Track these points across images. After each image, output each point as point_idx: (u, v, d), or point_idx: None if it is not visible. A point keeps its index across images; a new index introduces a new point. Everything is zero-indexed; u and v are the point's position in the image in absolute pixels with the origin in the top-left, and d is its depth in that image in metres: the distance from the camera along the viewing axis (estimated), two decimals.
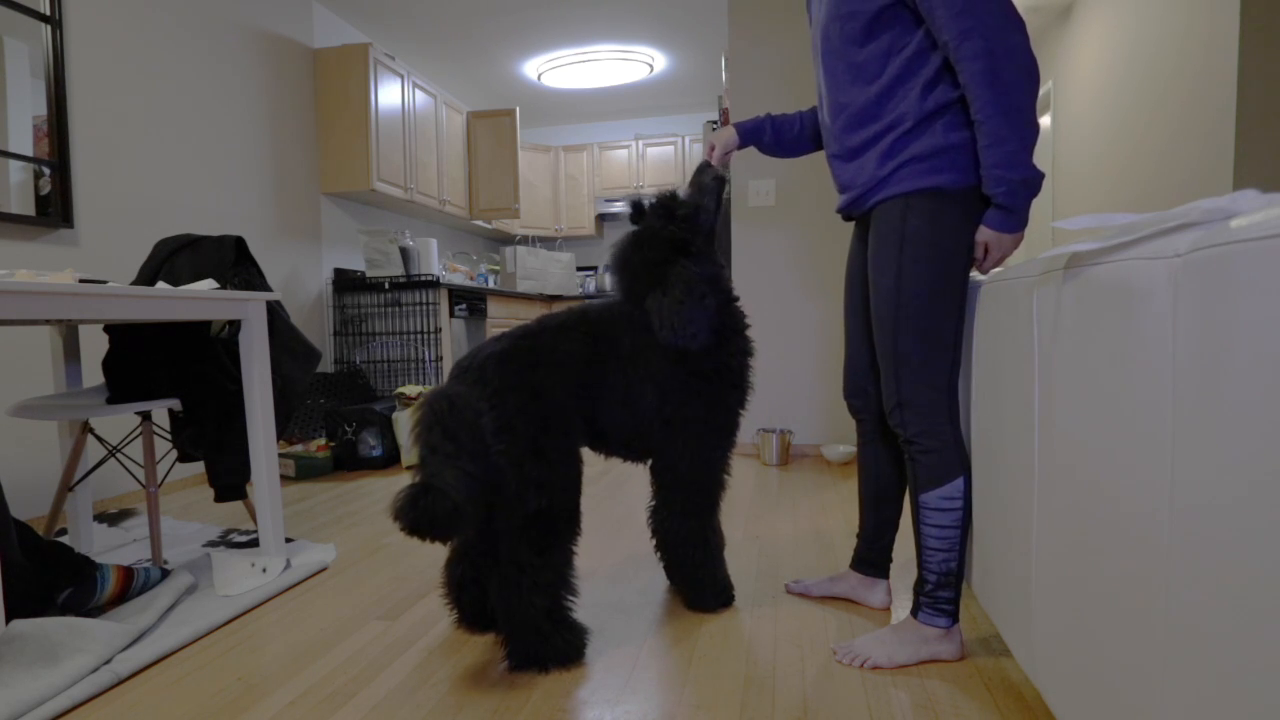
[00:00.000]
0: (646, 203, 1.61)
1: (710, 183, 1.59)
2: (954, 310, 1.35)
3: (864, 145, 1.40)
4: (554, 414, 1.41)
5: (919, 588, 1.41)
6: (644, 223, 1.57)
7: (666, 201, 1.57)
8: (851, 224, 1.66)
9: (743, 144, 1.66)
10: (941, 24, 1.24)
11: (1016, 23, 1.20)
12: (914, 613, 1.42)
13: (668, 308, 1.47)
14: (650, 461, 1.66)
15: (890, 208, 1.37)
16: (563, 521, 1.41)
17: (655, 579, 1.90)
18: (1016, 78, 1.20)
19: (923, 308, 1.34)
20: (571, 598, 1.44)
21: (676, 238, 1.54)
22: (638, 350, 1.52)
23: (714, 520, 1.65)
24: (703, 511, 1.62)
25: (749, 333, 1.65)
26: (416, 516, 1.21)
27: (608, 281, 1.66)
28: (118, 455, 2.13)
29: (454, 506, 1.23)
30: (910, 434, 1.38)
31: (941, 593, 1.38)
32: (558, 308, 5.75)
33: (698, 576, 1.65)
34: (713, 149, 1.66)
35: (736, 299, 1.64)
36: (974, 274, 1.43)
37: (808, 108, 1.69)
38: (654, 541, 1.70)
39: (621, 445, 1.58)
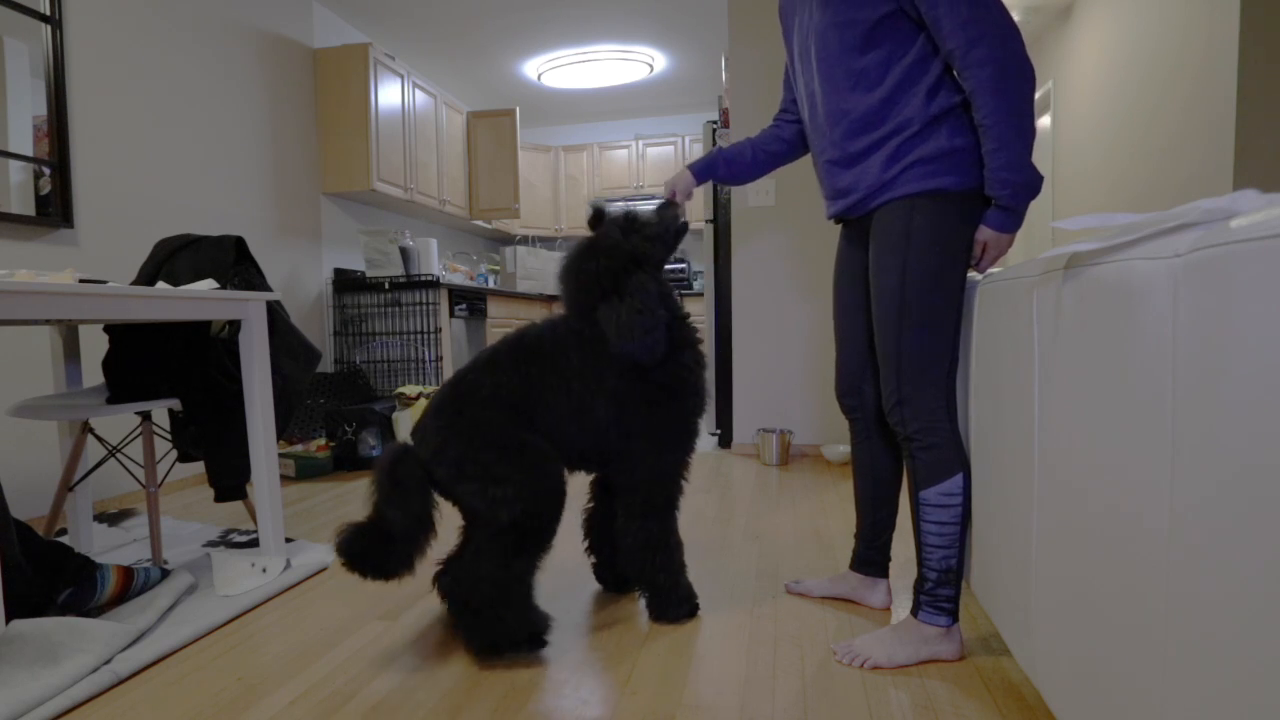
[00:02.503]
0: (609, 213, 1.61)
1: (671, 219, 1.59)
2: (954, 309, 1.38)
3: (867, 150, 1.41)
4: (502, 440, 1.43)
5: (919, 586, 1.41)
6: (603, 231, 1.57)
7: (630, 217, 1.58)
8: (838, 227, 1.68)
9: (699, 181, 1.70)
10: (947, 32, 1.27)
11: (1016, 31, 1.25)
12: (914, 612, 1.42)
13: (625, 317, 1.46)
14: (607, 470, 1.64)
15: (894, 209, 1.38)
16: (532, 536, 1.42)
17: None
18: (1020, 84, 1.24)
19: (925, 307, 1.36)
20: (526, 589, 1.45)
21: (637, 249, 1.54)
22: (586, 367, 1.51)
23: (672, 522, 1.62)
24: (661, 513, 1.59)
25: (702, 346, 1.67)
26: (351, 552, 1.36)
27: (558, 288, 1.71)
28: (118, 455, 2.13)
29: (391, 540, 1.36)
30: (910, 431, 1.39)
31: (942, 590, 1.39)
32: (557, 308, 5.75)
33: (660, 583, 1.60)
34: (674, 193, 1.68)
35: (688, 315, 1.64)
36: (970, 273, 1.44)
37: (756, 134, 1.73)
38: (588, 547, 1.69)
39: (578, 459, 1.57)
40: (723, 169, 1.70)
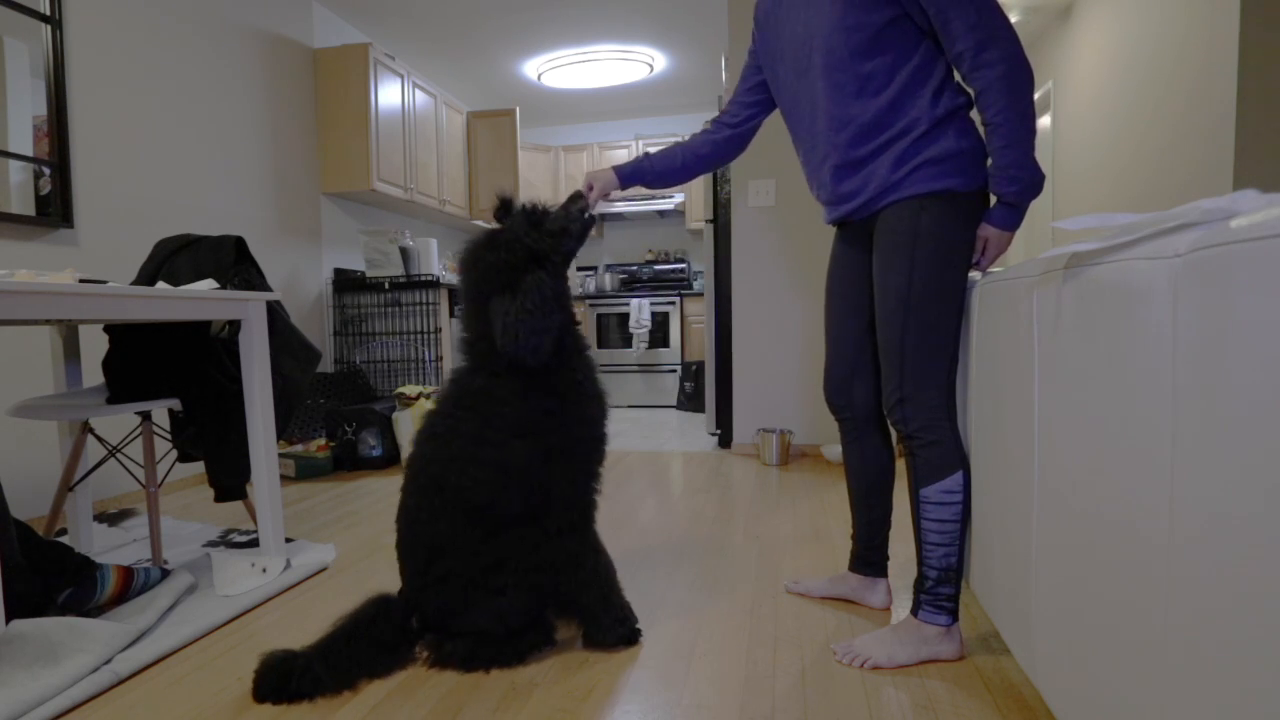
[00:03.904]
0: (516, 205, 1.53)
1: (577, 213, 1.53)
2: (957, 308, 1.39)
3: (875, 153, 1.41)
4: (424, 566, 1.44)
5: (919, 585, 1.42)
6: (507, 224, 1.49)
7: (536, 212, 1.50)
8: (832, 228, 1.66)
9: (624, 185, 1.68)
10: (956, 34, 1.29)
11: (1017, 35, 1.30)
12: (914, 611, 1.42)
13: (514, 314, 1.39)
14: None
15: (901, 209, 1.39)
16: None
17: (654, 578, 1.90)
18: (1027, 84, 1.28)
19: (930, 305, 1.37)
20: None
21: (537, 247, 1.46)
22: (490, 421, 1.43)
23: (591, 537, 1.51)
24: (578, 528, 1.48)
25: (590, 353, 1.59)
26: (259, 687, 1.32)
27: (458, 279, 1.57)
28: (118, 455, 2.13)
29: (296, 680, 1.32)
30: (911, 429, 1.40)
31: (942, 589, 1.39)
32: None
33: (585, 602, 1.48)
34: (590, 188, 1.65)
35: (579, 323, 1.57)
36: (971, 273, 1.45)
37: (688, 138, 1.74)
38: None
39: (523, 502, 1.46)
40: (649, 174, 1.69)
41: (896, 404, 1.42)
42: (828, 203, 1.53)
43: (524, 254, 1.45)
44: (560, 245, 1.50)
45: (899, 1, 1.34)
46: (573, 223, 1.52)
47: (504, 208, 1.51)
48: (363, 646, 1.39)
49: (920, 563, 1.41)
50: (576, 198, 1.55)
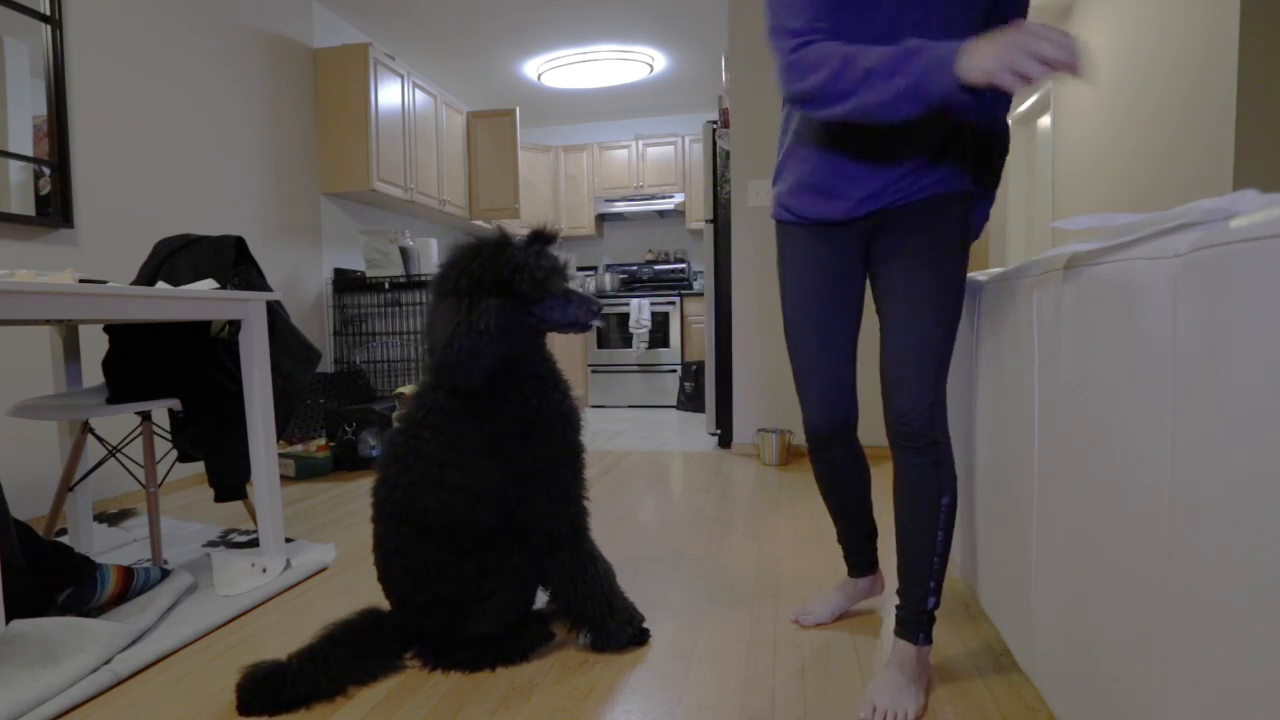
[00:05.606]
0: (551, 238, 1.46)
1: (583, 308, 1.43)
2: None
3: (958, 127, 1.27)
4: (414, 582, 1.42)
5: (921, 610, 1.30)
6: (517, 246, 1.40)
7: (545, 262, 1.40)
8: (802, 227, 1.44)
9: None
10: (1025, 13, 1.31)
11: None
12: (916, 640, 1.31)
13: (461, 327, 1.31)
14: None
15: (953, 202, 1.28)
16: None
17: (654, 578, 1.90)
18: None
19: (959, 307, 1.28)
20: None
21: (513, 277, 1.36)
22: (454, 441, 1.39)
23: (586, 546, 1.49)
24: (570, 541, 1.47)
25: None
26: (248, 699, 1.28)
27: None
28: (118, 455, 2.13)
29: (291, 687, 1.30)
30: (939, 435, 1.28)
31: (934, 604, 1.31)
32: None
33: (590, 613, 1.46)
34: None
35: (550, 357, 1.51)
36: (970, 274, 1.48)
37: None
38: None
39: (500, 517, 1.44)
40: None
41: (928, 409, 1.26)
42: (879, 161, 1.27)
43: (494, 274, 1.35)
44: (542, 299, 1.40)
45: None
46: (572, 304, 1.43)
47: (535, 237, 1.43)
48: (351, 651, 1.38)
49: (929, 578, 1.29)
50: (590, 302, 1.44)
